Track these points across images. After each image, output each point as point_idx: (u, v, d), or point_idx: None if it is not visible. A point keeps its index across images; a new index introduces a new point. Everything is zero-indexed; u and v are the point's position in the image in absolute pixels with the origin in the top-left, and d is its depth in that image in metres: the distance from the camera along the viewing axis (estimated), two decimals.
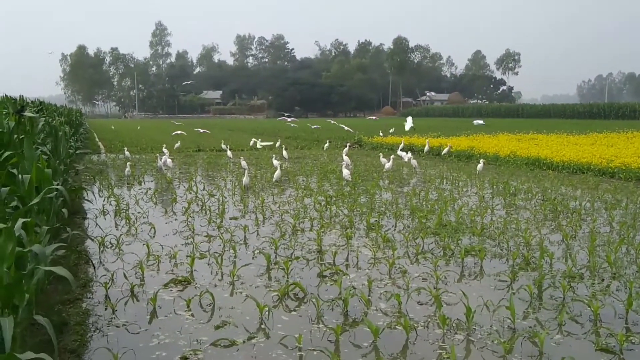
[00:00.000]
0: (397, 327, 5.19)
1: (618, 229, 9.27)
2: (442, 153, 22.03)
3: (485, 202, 11.92)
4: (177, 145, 25.70)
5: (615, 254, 7.50)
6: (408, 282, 6.43)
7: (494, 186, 14.11)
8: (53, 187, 6.42)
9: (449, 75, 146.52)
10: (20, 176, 5.85)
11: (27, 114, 7.38)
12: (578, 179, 15.77)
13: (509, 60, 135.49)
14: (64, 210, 8.31)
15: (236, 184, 14.74)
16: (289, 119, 32.46)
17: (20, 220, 4.63)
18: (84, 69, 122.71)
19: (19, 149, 6.39)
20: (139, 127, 49.23)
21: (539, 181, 15.16)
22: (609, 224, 9.69)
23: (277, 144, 25.35)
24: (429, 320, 5.43)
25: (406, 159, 18.54)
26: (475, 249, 7.74)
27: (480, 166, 16.54)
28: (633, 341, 4.94)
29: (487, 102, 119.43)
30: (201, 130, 35.10)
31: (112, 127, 49.10)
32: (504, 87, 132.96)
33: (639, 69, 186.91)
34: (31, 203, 5.43)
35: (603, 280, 6.66)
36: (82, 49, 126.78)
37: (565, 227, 9.28)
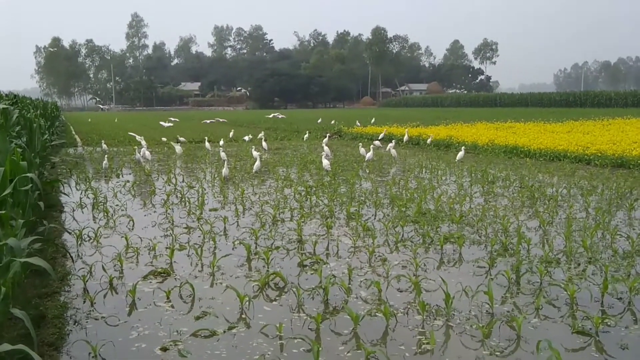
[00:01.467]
0: (377, 314, 5.22)
1: (594, 214, 9.41)
2: (428, 142, 21.98)
3: (464, 190, 12.01)
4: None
5: (591, 239, 7.61)
6: (388, 270, 6.46)
7: (473, 174, 14.23)
8: (28, 179, 6.32)
9: (427, 65, 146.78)
10: None
11: (1, 106, 7.25)
12: (555, 166, 15.96)
13: (487, 50, 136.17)
14: (40, 203, 8.19)
15: (215, 175, 14.67)
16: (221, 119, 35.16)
17: None
18: (59, 62, 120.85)
19: None
20: (116, 120, 48.68)
21: (517, 169, 15.32)
22: (585, 209, 9.83)
23: (260, 135, 25.17)
24: (409, 306, 5.47)
25: (388, 149, 18.52)
26: (454, 236, 7.80)
27: (460, 154, 16.62)
28: (608, 324, 5.02)
29: (465, 92, 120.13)
30: (208, 121, 35.61)
31: (89, 120, 48.49)
32: (482, 77, 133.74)
33: (614, 58, 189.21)
34: (4, 193, 5.34)
35: (579, 264, 6.76)
36: (56, 40, 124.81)
37: (542, 214, 9.39)
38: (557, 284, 5.91)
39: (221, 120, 38.82)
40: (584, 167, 15.81)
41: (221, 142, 21.94)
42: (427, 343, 4.68)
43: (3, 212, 5.02)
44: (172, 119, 35.79)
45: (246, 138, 25.49)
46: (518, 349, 4.61)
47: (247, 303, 5.49)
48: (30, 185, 6.69)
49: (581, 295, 5.62)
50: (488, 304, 5.36)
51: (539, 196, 10.97)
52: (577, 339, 4.79)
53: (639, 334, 4.84)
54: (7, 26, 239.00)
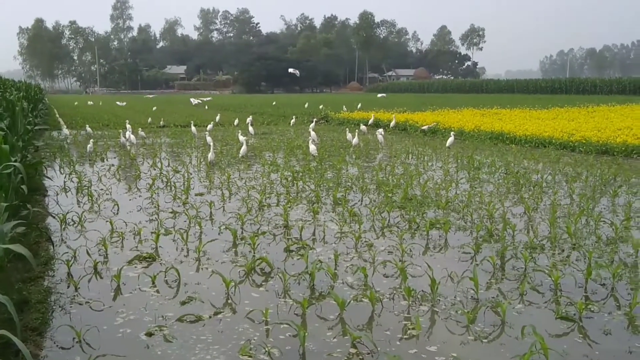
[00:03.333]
0: (363, 299, 5.22)
1: (578, 201, 9.48)
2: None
3: (450, 176, 12.05)
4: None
5: (575, 225, 7.67)
6: (374, 256, 6.48)
7: (459, 160, 14.27)
8: (10, 163, 6.23)
9: (414, 50, 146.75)
10: None
11: None
12: (540, 152, 16.05)
13: (474, 36, 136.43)
14: (23, 187, 8.08)
15: (201, 160, 14.58)
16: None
17: None
18: (43, 43, 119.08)
19: None
20: (100, 103, 48.17)
21: (502, 155, 15.38)
22: (570, 196, 9.90)
23: (248, 120, 24.92)
24: (395, 292, 5.49)
25: (376, 134, 18.43)
26: (440, 222, 7.83)
27: (450, 140, 16.61)
28: (592, 309, 5.07)
29: (452, 78, 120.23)
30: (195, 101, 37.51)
31: (76, 103, 47.86)
32: (469, 63, 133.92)
33: (600, 45, 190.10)
34: None
35: (563, 250, 6.81)
36: (39, 22, 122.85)
37: (527, 200, 9.45)
38: (541, 269, 5.96)
39: (197, 100, 40.76)
40: (568, 153, 15.92)
41: (209, 127, 21.50)
42: (413, 328, 4.70)
43: None
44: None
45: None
46: (503, 334, 4.65)
47: (233, 288, 5.48)
48: (13, 168, 6.59)
49: (565, 281, 5.67)
50: (473, 290, 5.40)
51: (524, 182, 11.03)
52: (561, 324, 4.83)
53: (622, 320, 4.90)
54: None
